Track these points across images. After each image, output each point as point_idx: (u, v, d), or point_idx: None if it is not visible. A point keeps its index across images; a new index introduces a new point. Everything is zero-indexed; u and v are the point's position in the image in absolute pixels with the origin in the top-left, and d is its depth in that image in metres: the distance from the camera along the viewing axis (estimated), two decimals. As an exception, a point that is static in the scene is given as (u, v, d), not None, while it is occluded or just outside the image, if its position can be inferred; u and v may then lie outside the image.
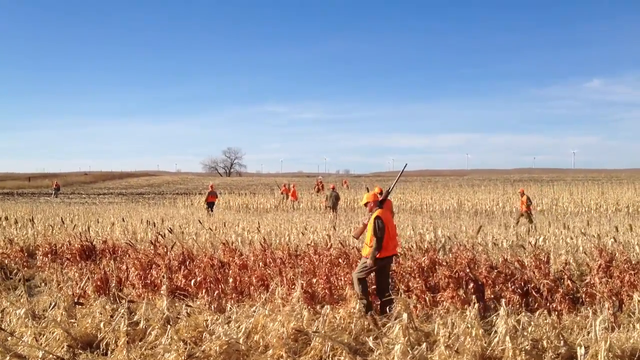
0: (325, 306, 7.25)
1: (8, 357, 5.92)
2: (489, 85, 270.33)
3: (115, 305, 7.86)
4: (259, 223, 15.31)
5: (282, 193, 39.94)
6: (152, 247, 11.54)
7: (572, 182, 56.46)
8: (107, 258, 12.23)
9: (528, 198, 23.29)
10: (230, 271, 9.27)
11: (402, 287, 8.77)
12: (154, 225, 14.82)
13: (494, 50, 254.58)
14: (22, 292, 8.01)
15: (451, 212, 27.69)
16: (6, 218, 18.15)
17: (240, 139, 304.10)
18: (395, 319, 6.96)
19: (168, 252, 10.52)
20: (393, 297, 7.52)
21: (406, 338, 6.30)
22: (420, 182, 74.18)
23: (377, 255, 8.16)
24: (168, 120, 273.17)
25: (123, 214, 23.40)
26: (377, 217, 8.29)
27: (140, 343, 6.44)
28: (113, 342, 6.67)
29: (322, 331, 6.24)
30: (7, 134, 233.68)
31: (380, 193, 9.17)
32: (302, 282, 7.94)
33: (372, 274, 8.30)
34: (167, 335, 6.04)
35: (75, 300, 7.71)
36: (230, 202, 37.92)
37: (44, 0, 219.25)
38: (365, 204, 8.72)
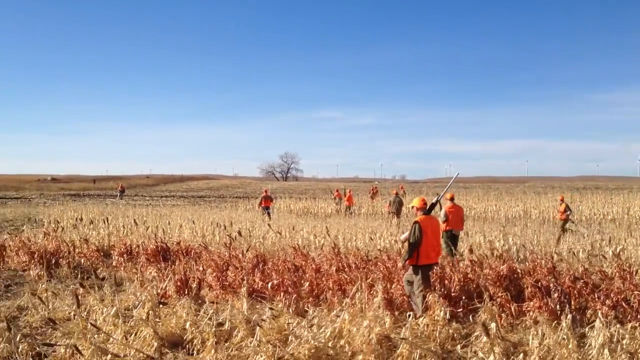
0: (409, 313, 7.17)
1: (102, 356, 6.05)
2: (550, 90, 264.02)
3: (196, 306, 7.95)
4: (326, 228, 15.27)
5: (334, 198, 39.91)
6: (226, 250, 11.65)
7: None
8: (182, 259, 12.46)
9: (567, 206, 22.59)
10: (307, 275, 9.26)
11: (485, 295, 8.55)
12: (225, 228, 15.00)
13: (555, 55, 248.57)
14: (108, 291, 8.21)
15: (517, 220, 27.08)
16: (81, 219, 18.73)
17: (297, 144, 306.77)
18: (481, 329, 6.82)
19: (244, 254, 10.60)
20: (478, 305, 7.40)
21: (494, 348, 6.16)
22: (480, 188, 72.88)
23: (419, 262, 8.15)
24: (226, 125, 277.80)
25: (188, 216, 23.84)
26: (415, 223, 8.30)
27: (226, 344, 6.48)
28: (199, 342, 6.75)
29: (409, 338, 6.15)
30: (73, 137, 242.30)
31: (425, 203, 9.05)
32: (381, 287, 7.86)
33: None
34: (256, 337, 6.07)
35: (159, 300, 7.85)
36: (291, 206, 38.13)
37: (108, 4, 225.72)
38: (412, 207, 8.87)
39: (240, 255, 10.61)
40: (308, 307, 8.27)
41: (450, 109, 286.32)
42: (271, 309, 7.30)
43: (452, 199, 15.20)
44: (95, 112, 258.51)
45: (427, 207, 8.74)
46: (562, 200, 23.54)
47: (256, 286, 9.21)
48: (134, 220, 17.58)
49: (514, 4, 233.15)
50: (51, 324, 6.38)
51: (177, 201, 53.44)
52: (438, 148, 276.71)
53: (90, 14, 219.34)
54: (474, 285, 9.13)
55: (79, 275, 12.44)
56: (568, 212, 22.33)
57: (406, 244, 8.53)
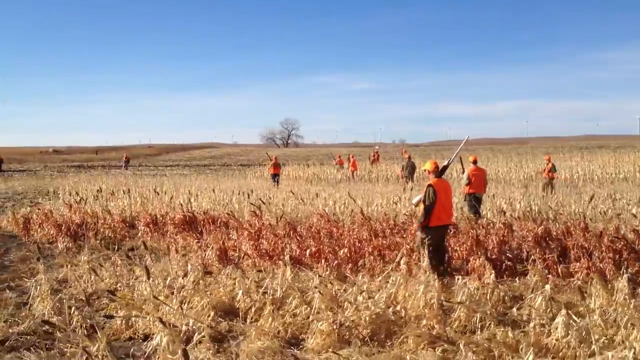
0: (457, 277, 7.19)
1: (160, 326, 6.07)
2: (547, 50, 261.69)
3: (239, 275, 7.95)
4: (348, 193, 15.25)
5: (336, 164, 39.59)
6: (255, 218, 11.64)
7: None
8: (209, 229, 12.47)
9: (553, 165, 22.75)
10: (345, 241, 9.25)
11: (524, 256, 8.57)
12: (248, 196, 14.99)
13: (551, 13, 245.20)
14: (149, 261, 8.21)
15: (530, 181, 27.09)
16: (100, 190, 18.69)
17: (295, 110, 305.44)
18: (532, 291, 6.86)
19: (277, 222, 10.58)
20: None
21: (548, 310, 6.19)
22: (483, 150, 72.71)
23: (430, 224, 8.24)
24: (223, 93, 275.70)
25: (202, 185, 23.82)
26: (429, 186, 8.45)
27: (281, 312, 6.49)
28: (252, 310, 6.77)
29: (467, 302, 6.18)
30: (71, 108, 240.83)
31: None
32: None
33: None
34: (315, 304, 6.09)
35: (205, 270, 7.86)
36: (300, 173, 38.10)
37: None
38: (424, 170, 9.01)
39: (275, 222, 10.57)
40: (348, 274, 8.28)
41: (448, 72, 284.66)
42: (320, 276, 7.29)
43: (475, 162, 15.17)
44: (93, 82, 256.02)
45: (440, 169, 8.81)
46: (548, 160, 23.57)
47: (293, 254, 9.21)
48: (154, 190, 17.56)
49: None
50: (108, 294, 6.36)
51: (182, 170, 53.39)
52: (437, 111, 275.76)
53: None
54: (508, 247, 9.16)
55: (109, 247, 12.48)
56: (553, 171, 22.54)
57: (420, 206, 8.61)
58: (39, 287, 7.61)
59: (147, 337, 6.34)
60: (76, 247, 12.26)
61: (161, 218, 13.63)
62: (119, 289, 8.39)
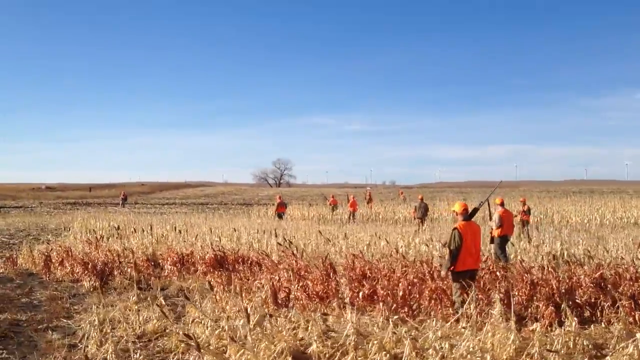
0: (535, 324, 6.92)
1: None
2: (538, 96, 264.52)
3: (302, 318, 7.63)
4: (375, 234, 15.01)
5: (330, 204, 39.47)
6: (291, 257, 11.32)
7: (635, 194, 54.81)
8: (239, 268, 12.13)
9: (529, 208, 23.47)
10: (400, 284, 8.95)
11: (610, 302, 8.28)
12: (276, 236, 14.68)
13: (543, 60, 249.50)
14: (207, 302, 7.88)
15: (539, 224, 26.93)
16: (118, 227, 18.29)
17: (286, 150, 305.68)
18: (617, 339, 6.60)
19: (324, 262, 10.24)
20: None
21: None
22: (477, 193, 72.84)
23: (455, 269, 8.14)
24: (213, 132, 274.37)
25: (211, 224, 23.48)
26: (454, 229, 8.30)
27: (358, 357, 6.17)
28: (324, 355, 6.45)
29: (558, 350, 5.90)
30: (61, 145, 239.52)
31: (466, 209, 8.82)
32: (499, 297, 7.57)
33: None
34: (406, 350, 5.79)
35: (268, 312, 7.52)
36: (305, 213, 37.78)
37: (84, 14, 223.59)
38: (453, 211, 8.85)
39: (320, 263, 10.24)
40: (406, 318, 7.97)
41: (440, 115, 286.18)
42: (387, 319, 6.97)
43: (502, 204, 15.00)
44: (83, 120, 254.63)
45: (469, 212, 8.62)
46: (524, 202, 23.75)
47: (342, 295, 8.90)
48: (175, 227, 17.24)
49: (502, 11, 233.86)
50: (186, 339, 5.99)
51: (180, 208, 52.88)
52: (428, 153, 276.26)
53: (80, 16, 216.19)
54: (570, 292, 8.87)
55: (135, 286, 12.10)
56: (528, 214, 22.96)
57: (445, 250, 8.44)
58: (91, 329, 7.24)
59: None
60: (101, 287, 11.90)
61: (187, 257, 13.29)
62: (173, 330, 8.07)
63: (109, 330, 7.90)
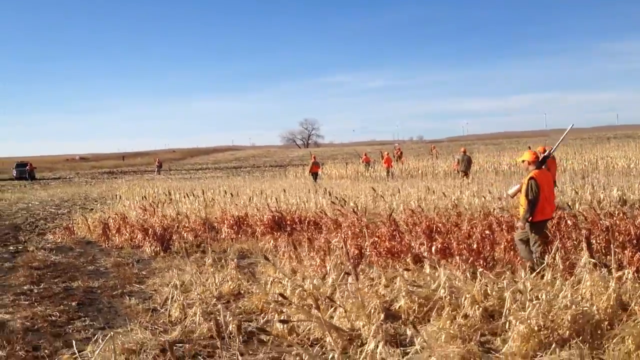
0: (625, 271, 6.71)
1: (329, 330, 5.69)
2: (561, 43, 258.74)
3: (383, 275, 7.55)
4: (428, 187, 14.83)
5: (363, 162, 39.38)
6: (351, 216, 11.22)
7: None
8: (299, 228, 12.11)
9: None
10: (474, 237, 8.81)
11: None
12: (330, 195, 14.59)
13: (564, 5, 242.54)
14: (285, 262, 7.83)
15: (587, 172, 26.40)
16: (169, 193, 18.41)
17: (311, 111, 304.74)
18: None
19: (390, 218, 10.13)
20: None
21: None
22: (508, 144, 71.90)
23: (532, 219, 7.86)
24: (237, 96, 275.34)
25: (254, 186, 23.51)
26: (530, 178, 7.96)
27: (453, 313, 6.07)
28: (413, 311, 6.37)
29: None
30: (86, 116, 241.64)
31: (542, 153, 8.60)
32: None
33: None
34: (507, 304, 5.67)
35: (346, 271, 7.44)
36: (342, 172, 37.67)
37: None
38: (523, 162, 8.48)
39: (385, 219, 10.12)
40: (484, 271, 7.84)
41: (464, 67, 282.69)
42: (485, 272, 6.81)
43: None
44: (108, 89, 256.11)
45: (540, 160, 8.35)
46: (542, 151, 22.60)
47: (415, 251, 8.79)
48: (224, 191, 17.28)
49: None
50: (280, 298, 5.94)
51: (214, 173, 53.30)
52: (454, 107, 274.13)
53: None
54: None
55: (210, 250, 12.18)
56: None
57: (521, 199, 8.14)
58: (174, 292, 7.26)
59: (312, 343, 5.98)
60: (164, 251, 11.99)
61: (242, 219, 13.31)
62: (250, 291, 8.07)
63: (186, 293, 7.98)
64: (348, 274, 7.41)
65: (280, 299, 5.85)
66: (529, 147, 28.71)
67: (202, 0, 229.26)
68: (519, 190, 8.52)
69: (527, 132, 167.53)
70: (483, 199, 13.39)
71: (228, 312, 7.18)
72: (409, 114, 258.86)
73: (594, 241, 8.44)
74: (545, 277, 6.83)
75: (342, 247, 8.61)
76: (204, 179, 42.14)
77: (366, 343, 5.20)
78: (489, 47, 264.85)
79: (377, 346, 4.41)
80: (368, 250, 8.99)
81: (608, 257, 8.09)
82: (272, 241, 11.83)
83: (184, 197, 17.16)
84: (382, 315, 5.90)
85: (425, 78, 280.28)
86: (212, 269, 8.09)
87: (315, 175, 30.36)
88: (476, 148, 59.48)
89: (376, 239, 9.36)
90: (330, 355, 5.11)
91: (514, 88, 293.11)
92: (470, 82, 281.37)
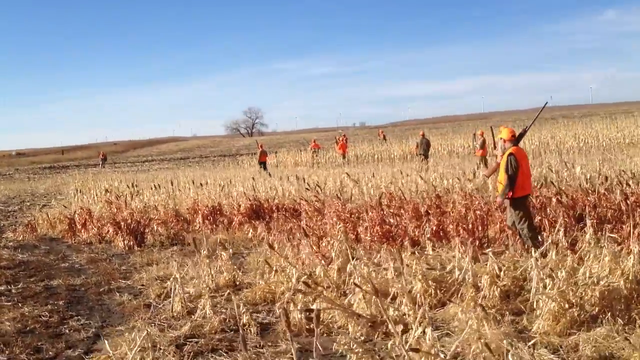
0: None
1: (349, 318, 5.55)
2: (499, 24, 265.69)
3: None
4: (401, 172, 14.80)
5: (312, 149, 39.36)
6: (337, 202, 11.03)
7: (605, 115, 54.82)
8: (276, 217, 11.87)
9: (484, 140, 22.32)
10: (469, 217, 8.78)
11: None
12: (303, 181, 14.35)
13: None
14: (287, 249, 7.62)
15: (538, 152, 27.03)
16: (134, 185, 17.80)
17: (253, 99, 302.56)
18: None
19: (390, 203, 10.02)
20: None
21: None
22: (451, 127, 73.00)
23: (513, 195, 7.94)
24: (176, 85, 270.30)
25: (215, 175, 23.07)
26: (510, 154, 8.03)
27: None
28: (430, 295, 6.28)
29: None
30: (19, 110, 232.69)
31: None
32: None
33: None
34: (534, 282, 5.63)
35: (353, 255, 7.27)
36: (298, 159, 37.42)
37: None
38: (500, 139, 8.48)
39: (389, 204, 10.00)
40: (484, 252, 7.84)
41: (404, 51, 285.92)
42: (495, 253, 6.75)
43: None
44: (41, 81, 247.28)
45: (516, 137, 8.45)
46: (481, 135, 22.99)
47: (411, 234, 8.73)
48: (192, 181, 16.81)
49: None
50: (302, 285, 5.71)
51: (162, 164, 52.29)
52: (396, 92, 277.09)
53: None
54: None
55: (171, 243, 11.81)
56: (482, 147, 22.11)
57: (500, 176, 8.21)
58: (175, 286, 6.95)
59: (331, 332, 5.82)
60: (138, 245, 11.57)
61: (216, 209, 12.97)
62: (245, 282, 7.85)
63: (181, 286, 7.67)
64: (358, 259, 7.28)
65: (303, 286, 5.61)
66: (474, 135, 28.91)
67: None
68: (495, 170, 8.59)
69: (467, 114, 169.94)
70: (458, 180, 13.42)
71: (230, 304, 6.96)
72: (352, 101, 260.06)
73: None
74: (549, 255, 6.86)
75: (336, 233, 8.48)
76: (152, 170, 41.22)
77: (390, 331, 5.08)
78: (429, 30, 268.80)
79: (425, 332, 4.26)
80: (362, 235, 8.88)
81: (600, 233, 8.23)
82: (251, 230, 11.61)
83: (151, 188, 16.58)
84: (405, 299, 5.78)
85: (367, 64, 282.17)
86: (207, 260, 7.77)
87: (263, 164, 29.94)
88: (411, 133, 59.92)
89: (368, 223, 9.26)
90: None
91: (455, 71, 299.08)
92: (411, 66, 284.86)
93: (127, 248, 11.52)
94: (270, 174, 23.59)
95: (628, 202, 8.41)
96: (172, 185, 16.52)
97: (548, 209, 9.16)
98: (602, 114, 69.84)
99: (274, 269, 7.35)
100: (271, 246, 7.30)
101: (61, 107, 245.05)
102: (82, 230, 13.15)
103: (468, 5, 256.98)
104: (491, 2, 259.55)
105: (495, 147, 14.46)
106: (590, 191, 10.06)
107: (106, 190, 17.26)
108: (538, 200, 9.59)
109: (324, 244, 8.46)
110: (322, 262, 7.24)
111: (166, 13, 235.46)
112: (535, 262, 5.69)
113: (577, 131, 33.80)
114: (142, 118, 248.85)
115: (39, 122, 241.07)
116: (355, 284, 5.53)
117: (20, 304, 7.78)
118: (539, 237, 7.77)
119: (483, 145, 22.21)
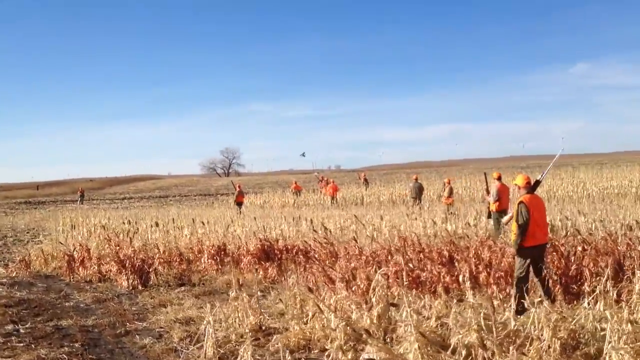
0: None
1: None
2: (474, 75, 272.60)
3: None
4: (409, 215, 14.60)
5: (292, 190, 39.32)
6: (354, 245, 10.75)
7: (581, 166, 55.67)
8: (287, 259, 11.55)
9: (452, 189, 22.54)
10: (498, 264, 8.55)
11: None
12: (311, 222, 14.05)
13: (477, 41, 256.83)
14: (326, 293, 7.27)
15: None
16: (129, 222, 17.29)
17: (228, 140, 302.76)
18: None
19: (405, 249, 9.76)
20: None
21: None
22: (427, 172, 73.37)
23: (525, 244, 7.74)
24: (152, 123, 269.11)
25: (207, 215, 22.63)
26: (520, 203, 7.86)
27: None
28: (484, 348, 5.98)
29: None
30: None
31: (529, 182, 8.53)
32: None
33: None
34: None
35: (390, 302, 6.97)
36: (284, 200, 37.01)
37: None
38: (516, 186, 8.30)
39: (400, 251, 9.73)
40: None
41: (379, 97, 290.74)
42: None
43: (499, 178, 14.51)
44: (16, 114, 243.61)
45: (532, 185, 8.32)
46: (448, 183, 23.01)
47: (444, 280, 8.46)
48: (192, 220, 16.39)
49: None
50: (357, 335, 5.37)
51: (141, 202, 51.48)
52: (371, 136, 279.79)
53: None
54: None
55: (177, 282, 11.39)
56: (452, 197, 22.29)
57: (512, 225, 8.03)
58: (209, 330, 6.55)
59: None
60: (142, 285, 11.14)
61: (221, 249, 12.59)
62: (282, 327, 7.47)
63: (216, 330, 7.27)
64: (394, 305, 7.00)
65: (363, 334, 5.29)
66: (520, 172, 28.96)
67: (117, 19, 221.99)
68: (511, 218, 8.37)
69: (439, 161, 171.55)
70: (468, 225, 13.27)
71: (262, 349, 6.61)
72: (327, 144, 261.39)
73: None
74: (597, 305, 6.65)
75: (364, 277, 8.19)
76: (133, 208, 40.45)
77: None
78: (405, 78, 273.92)
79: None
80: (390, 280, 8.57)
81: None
82: (261, 271, 11.29)
83: (151, 226, 16.11)
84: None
85: (343, 108, 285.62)
86: (235, 304, 7.39)
87: (239, 204, 29.61)
88: (397, 177, 59.96)
89: (396, 268, 8.96)
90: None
91: (429, 118, 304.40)
92: (386, 112, 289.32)
93: (131, 287, 11.09)
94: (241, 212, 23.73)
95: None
96: (173, 222, 16.05)
97: (576, 258, 8.98)
98: (574, 164, 71.15)
99: (312, 314, 6.99)
100: (310, 289, 6.96)
101: (32, 141, 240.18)
102: (80, 268, 12.65)
103: (443, 59, 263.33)
104: (466, 55, 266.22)
105: (488, 193, 14.49)
106: (617, 241, 9.92)
107: (103, 227, 16.74)
108: (564, 249, 9.39)
109: (353, 288, 8.14)
110: (363, 307, 6.90)
111: (140, 50, 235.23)
112: (611, 315, 5.44)
113: (564, 180, 34.04)
114: (117, 155, 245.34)
115: (9, 156, 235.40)
116: (421, 333, 5.20)
117: (33, 345, 7.30)
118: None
119: (450, 194, 22.15)
